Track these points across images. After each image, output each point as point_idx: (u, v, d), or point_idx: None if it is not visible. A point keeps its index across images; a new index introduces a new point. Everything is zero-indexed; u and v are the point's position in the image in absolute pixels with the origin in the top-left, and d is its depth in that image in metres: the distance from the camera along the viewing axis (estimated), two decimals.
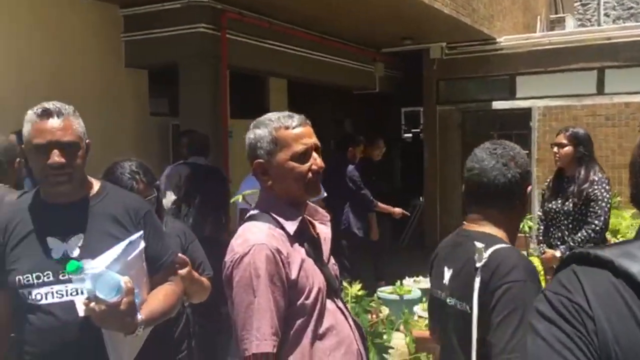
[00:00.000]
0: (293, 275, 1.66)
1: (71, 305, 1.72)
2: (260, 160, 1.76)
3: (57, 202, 1.88)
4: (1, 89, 5.50)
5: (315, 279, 1.71)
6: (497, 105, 9.13)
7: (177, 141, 6.81)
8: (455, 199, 9.60)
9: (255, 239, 1.66)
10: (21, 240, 1.82)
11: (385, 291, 5.77)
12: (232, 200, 4.26)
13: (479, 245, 1.69)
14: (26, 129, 1.84)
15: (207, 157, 5.28)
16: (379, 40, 8.99)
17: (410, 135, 14.59)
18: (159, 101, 7.64)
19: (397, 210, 6.81)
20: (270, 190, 1.78)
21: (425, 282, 6.06)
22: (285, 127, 1.75)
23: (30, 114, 1.85)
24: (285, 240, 1.70)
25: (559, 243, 3.92)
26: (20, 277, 1.79)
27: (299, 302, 1.66)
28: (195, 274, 2.41)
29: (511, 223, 1.82)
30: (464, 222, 1.88)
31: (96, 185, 1.97)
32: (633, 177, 0.96)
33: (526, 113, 8.90)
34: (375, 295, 5.33)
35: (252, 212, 1.80)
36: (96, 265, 1.63)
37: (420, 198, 10.43)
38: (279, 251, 1.65)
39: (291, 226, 1.73)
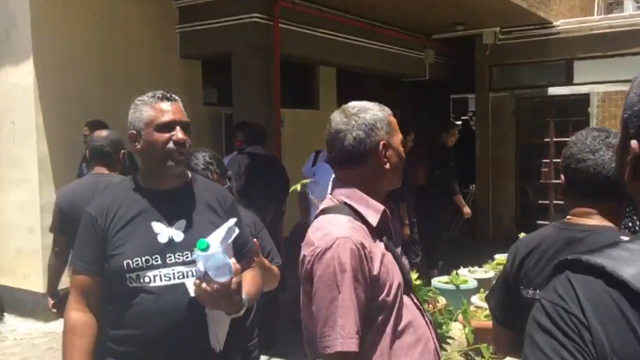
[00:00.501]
0: (375, 271, 1.60)
1: (178, 287, 1.79)
2: (385, 141, 1.68)
3: (159, 189, 1.93)
4: (61, 83, 5.67)
5: (394, 274, 1.66)
6: (554, 91, 8.86)
7: (230, 131, 6.90)
8: (509, 187, 9.41)
9: (338, 232, 1.59)
10: (125, 225, 1.86)
11: (441, 281, 5.72)
12: (291, 189, 4.28)
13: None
14: (145, 112, 1.91)
15: (264, 146, 5.32)
16: (429, 26, 8.84)
17: (459, 122, 14.39)
18: (212, 91, 7.74)
19: (467, 210, 6.69)
20: (353, 179, 1.70)
21: (481, 272, 5.97)
22: (390, 114, 1.73)
23: (147, 99, 1.94)
24: (367, 234, 1.64)
25: None
26: (130, 261, 1.82)
27: (380, 298, 1.61)
28: (267, 262, 2.44)
29: (619, 216, 1.73)
30: (568, 216, 1.72)
31: (187, 173, 2.02)
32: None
33: (584, 99, 8.61)
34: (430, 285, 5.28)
35: (326, 203, 1.73)
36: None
37: (471, 187, 10.26)
38: (362, 245, 1.58)
39: (373, 218, 1.67)
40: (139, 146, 1.91)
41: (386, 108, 1.75)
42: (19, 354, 4.87)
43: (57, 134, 5.38)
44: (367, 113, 1.69)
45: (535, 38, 8.80)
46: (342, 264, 1.55)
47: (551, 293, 0.86)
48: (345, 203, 1.68)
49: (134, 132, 1.92)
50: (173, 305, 1.79)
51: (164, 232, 1.86)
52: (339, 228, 1.61)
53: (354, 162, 1.68)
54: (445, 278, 5.77)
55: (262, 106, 6.57)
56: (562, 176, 1.73)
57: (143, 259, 1.82)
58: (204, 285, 1.65)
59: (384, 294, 1.61)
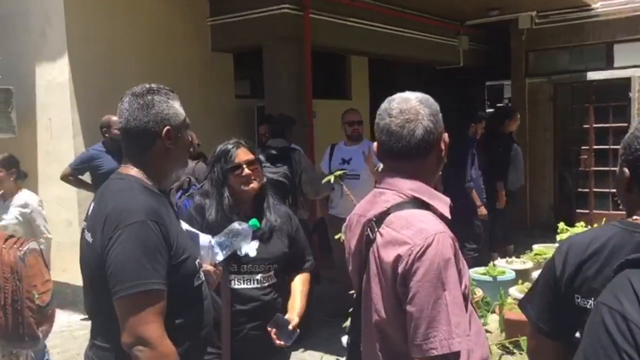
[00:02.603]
0: (460, 264, 1.55)
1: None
2: (445, 134, 1.65)
3: (164, 188, 1.92)
4: (96, 77, 5.75)
5: (465, 265, 1.61)
6: (593, 75, 8.58)
7: (259, 123, 6.91)
8: (546, 175, 9.19)
9: (432, 227, 1.53)
10: (175, 227, 1.84)
11: (477, 272, 5.62)
12: (323, 181, 4.23)
13: None
14: (179, 109, 1.85)
15: (285, 138, 5.23)
16: (463, 12, 8.66)
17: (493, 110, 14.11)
18: (244, 83, 7.76)
19: (482, 210, 6.52)
20: (417, 171, 1.64)
21: (519, 263, 5.85)
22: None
23: (172, 94, 1.86)
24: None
25: None
26: (197, 261, 1.87)
27: (466, 290, 1.56)
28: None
29: None
30: (635, 216, 1.49)
31: None
32: None
33: (625, 83, 8.32)
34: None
35: (392, 198, 1.62)
36: None
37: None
38: (454, 239, 1.54)
39: (446, 210, 1.62)
40: (171, 145, 1.80)
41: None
42: (60, 346, 4.98)
43: (92, 129, 5.44)
44: (430, 103, 1.66)
45: (574, 22, 8.53)
46: (446, 261, 1.49)
47: (609, 296, 0.81)
48: (415, 197, 1.62)
49: (170, 128, 1.79)
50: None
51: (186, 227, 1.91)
52: (431, 223, 1.55)
53: (421, 153, 1.62)
54: (482, 269, 5.67)
55: (293, 97, 6.54)
56: (624, 170, 1.48)
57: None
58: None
59: (464, 286, 1.56)
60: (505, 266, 5.85)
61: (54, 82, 5.70)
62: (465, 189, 6.27)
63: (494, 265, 5.71)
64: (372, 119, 6.37)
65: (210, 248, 2.17)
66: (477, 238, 6.60)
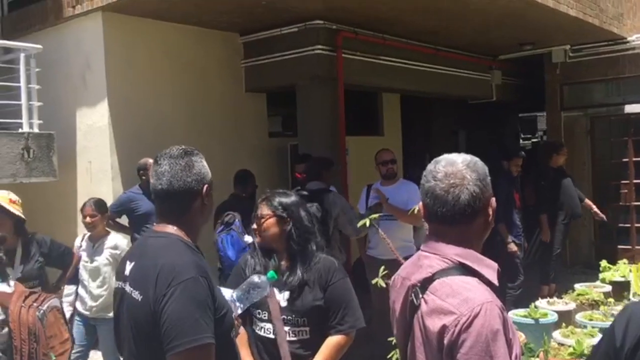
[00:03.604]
0: (510, 334, 1.49)
1: None
2: (489, 196, 1.61)
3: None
4: (134, 121, 5.88)
5: (515, 334, 1.55)
6: (631, 108, 8.41)
7: (295, 162, 6.93)
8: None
9: (479, 296, 1.47)
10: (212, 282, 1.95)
11: (518, 314, 5.45)
12: (359, 224, 4.20)
13: None
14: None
15: (322, 180, 5.22)
16: (495, 47, 8.65)
17: (527, 142, 13.94)
18: (276, 120, 7.83)
19: (512, 247, 6.39)
20: (463, 236, 1.59)
21: (561, 304, 5.67)
22: None
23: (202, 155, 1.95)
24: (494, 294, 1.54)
25: None
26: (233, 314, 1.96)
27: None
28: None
29: None
30: None
31: None
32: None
33: None
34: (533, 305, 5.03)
35: (437, 264, 1.59)
36: None
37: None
38: (503, 308, 1.48)
39: (494, 277, 1.57)
40: (207, 202, 1.91)
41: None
42: None
43: (130, 172, 5.54)
44: (478, 166, 1.61)
45: (609, 54, 8.42)
46: (494, 332, 1.43)
47: None
48: (460, 263, 1.57)
49: (208, 186, 1.91)
50: None
51: None
52: (478, 292, 1.50)
53: (466, 219, 1.58)
54: (523, 311, 5.51)
55: (327, 136, 6.57)
56: None
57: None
58: None
59: (516, 356, 1.51)
60: (546, 307, 5.66)
61: (93, 126, 5.84)
62: (498, 228, 6.18)
63: (536, 306, 5.54)
64: (405, 155, 6.41)
65: (232, 301, 2.23)
66: (516, 276, 6.45)
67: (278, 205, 2.61)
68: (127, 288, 1.82)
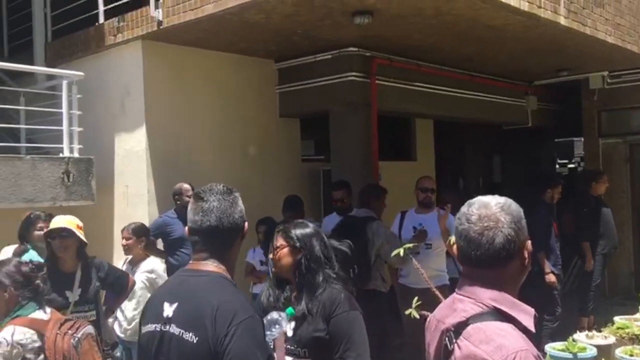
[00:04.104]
0: None
1: None
2: (529, 241, 1.59)
3: None
4: (170, 146, 5.99)
5: None
6: None
7: (327, 187, 6.94)
8: (625, 239, 8.72)
9: (514, 344, 1.44)
10: None
11: (555, 348, 5.30)
12: (393, 254, 4.16)
13: None
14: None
15: (370, 207, 5.24)
16: (531, 73, 8.56)
17: (564, 168, 13.67)
18: (308, 143, 7.87)
19: (551, 277, 6.22)
20: (498, 280, 1.56)
21: (600, 338, 5.49)
22: None
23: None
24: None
25: None
26: None
27: None
28: None
29: None
30: None
31: None
32: None
33: None
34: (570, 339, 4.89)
35: (471, 309, 1.56)
36: None
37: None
38: (539, 357, 1.46)
39: (530, 323, 1.54)
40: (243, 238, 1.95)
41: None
42: None
43: (166, 197, 5.63)
44: (512, 209, 1.59)
45: None
46: None
47: None
48: (495, 308, 1.54)
49: (247, 222, 1.93)
50: None
51: None
52: (513, 339, 1.47)
53: (501, 262, 1.56)
54: (560, 344, 5.36)
55: (360, 161, 6.58)
56: None
57: None
58: None
59: None
60: (585, 341, 5.49)
61: (131, 151, 5.96)
62: (537, 257, 6.05)
63: (574, 340, 5.38)
64: (439, 180, 6.31)
65: None
66: (553, 308, 6.30)
67: (293, 235, 2.63)
68: (174, 330, 1.77)
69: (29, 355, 2.65)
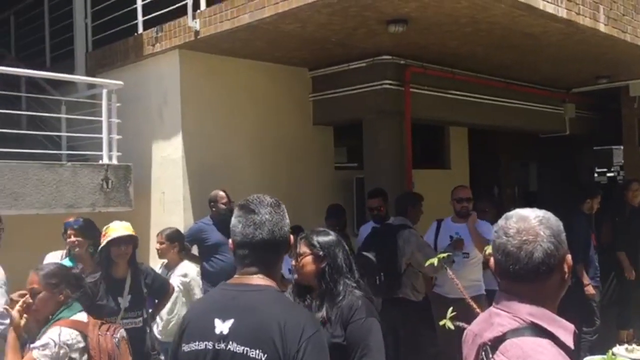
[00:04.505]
0: None
1: None
2: (569, 256, 1.56)
3: None
4: (206, 154, 6.07)
5: None
6: None
7: (362, 196, 6.93)
8: None
9: None
10: None
11: None
12: (427, 263, 4.13)
13: None
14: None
15: (407, 215, 5.23)
16: (569, 80, 8.42)
17: (603, 177, 13.36)
18: (341, 151, 7.87)
19: (590, 290, 6.06)
20: (537, 295, 1.54)
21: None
22: None
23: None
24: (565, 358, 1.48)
25: None
26: None
27: None
28: None
29: None
30: None
31: None
32: None
33: None
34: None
35: (508, 323, 1.54)
36: None
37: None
38: None
39: (569, 340, 1.51)
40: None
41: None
42: None
43: (201, 203, 5.71)
44: (552, 222, 1.57)
45: None
46: None
47: None
48: (533, 323, 1.51)
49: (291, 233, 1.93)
50: None
51: None
52: (549, 355, 1.44)
53: (540, 277, 1.53)
54: (599, 358, 5.22)
55: (393, 169, 6.56)
56: None
57: None
58: None
59: None
60: (625, 355, 5.35)
61: (168, 158, 6.07)
62: (576, 269, 5.92)
63: (613, 354, 5.24)
64: (473, 189, 6.21)
65: None
66: (592, 320, 6.14)
67: (316, 243, 2.65)
68: (235, 348, 1.69)
69: (74, 355, 2.71)
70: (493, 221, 5.33)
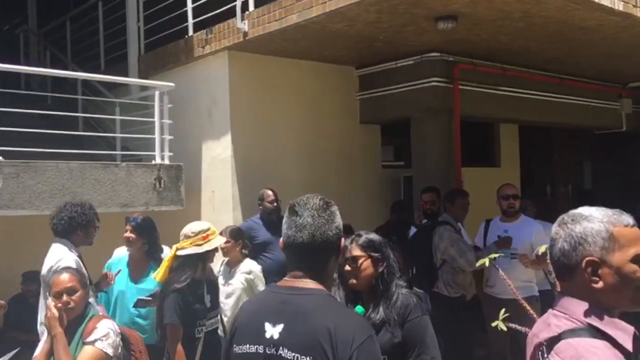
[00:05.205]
0: None
1: None
2: (593, 258, 1.51)
3: None
4: (254, 153, 6.14)
5: None
6: None
7: (409, 194, 6.88)
8: None
9: None
10: None
11: None
12: (478, 263, 4.06)
13: None
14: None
15: (448, 212, 5.21)
16: (625, 74, 8.11)
17: None
18: (387, 149, 7.82)
19: None
20: (594, 294, 1.51)
21: None
22: (624, 225, 1.52)
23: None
24: None
25: None
26: None
27: None
28: None
29: None
30: None
31: None
32: None
33: None
34: None
35: (564, 324, 1.51)
36: None
37: None
38: None
39: (628, 342, 1.46)
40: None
41: (622, 218, 1.53)
42: None
43: (250, 202, 5.78)
44: (580, 224, 1.53)
45: None
46: None
47: None
48: (590, 324, 1.49)
49: (343, 238, 1.91)
50: None
51: None
52: (604, 357, 1.42)
53: (562, 274, 1.55)
54: None
55: (442, 167, 6.48)
56: None
57: None
58: None
59: None
60: None
61: (217, 158, 6.17)
62: None
63: None
64: (524, 187, 6.09)
65: None
66: None
67: (370, 246, 2.62)
68: (286, 354, 1.68)
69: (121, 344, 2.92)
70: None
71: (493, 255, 3.87)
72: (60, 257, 3.69)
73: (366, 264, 2.59)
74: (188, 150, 6.34)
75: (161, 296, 3.50)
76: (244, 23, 5.59)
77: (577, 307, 1.52)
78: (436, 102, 6.45)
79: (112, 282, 4.07)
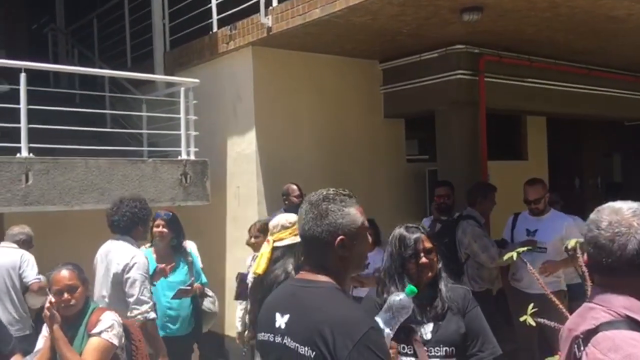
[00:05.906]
0: None
1: None
2: None
3: None
4: (278, 148, 6.17)
5: None
6: None
7: (435, 186, 6.83)
8: None
9: None
10: None
11: None
12: (505, 257, 4.02)
13: None
14: (356, 215, 1.80)
15: (474, 207, 5.17)
16: None
17: None
18: (412, 143, 7.78)
19: None
20: (630, 288, 1.50)
21: None
22: None
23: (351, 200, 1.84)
24: None
25: None
26: None
27: None
28: None
29: None
30: None
31: None
32: None
33: None
34: None
35: (602, 316, 1.51)
36: None
37: None
38: None
39: None
40: (345, 253, 1.77)
41: None
42: None
43: (275, 197, 5.81)
44: None
45: None
46: None
47: None
48: (628, 317, 1.48)
49: (344, 237, 1.77)
50: None
51: None
52: None
53: (635, 269, 1.49)
54: None
55: (467, 161, 6.42)
56: None
57: None
58: None
59: None
60: None
61: (242, 153, 6.21)
62: None
63: None
64: (552, 180, 5.99)
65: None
66: None
67: (430, 237, 2.63)
68: (289, 343, 1.71)
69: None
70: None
71: (521, 249, 3.84)
72: (133, 253, 3.69)
73: (435, 256, 2.59)
74: (213, 145, 6.40)
75: (259, 288, 3.45)
76: (268, 18, 5.60)
77: (615, 299, 1.51)
78: (461, 95, 6.39)
79: (168, 276, 4.16)
